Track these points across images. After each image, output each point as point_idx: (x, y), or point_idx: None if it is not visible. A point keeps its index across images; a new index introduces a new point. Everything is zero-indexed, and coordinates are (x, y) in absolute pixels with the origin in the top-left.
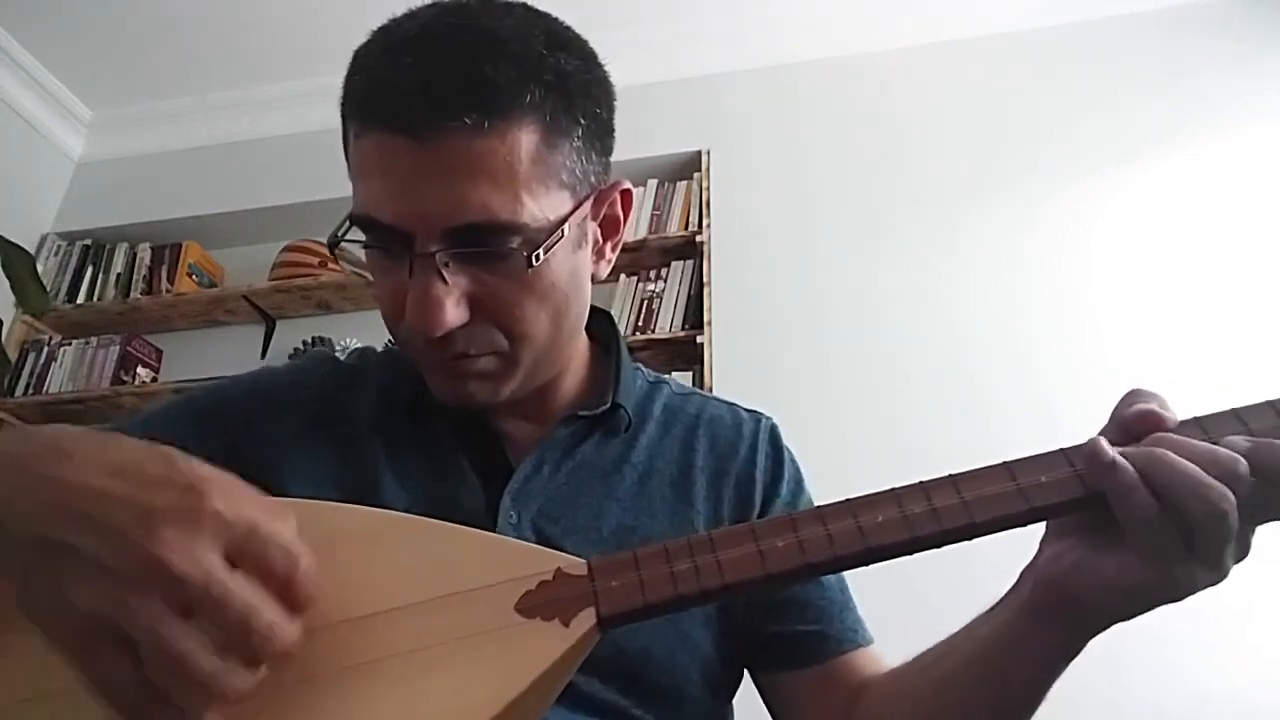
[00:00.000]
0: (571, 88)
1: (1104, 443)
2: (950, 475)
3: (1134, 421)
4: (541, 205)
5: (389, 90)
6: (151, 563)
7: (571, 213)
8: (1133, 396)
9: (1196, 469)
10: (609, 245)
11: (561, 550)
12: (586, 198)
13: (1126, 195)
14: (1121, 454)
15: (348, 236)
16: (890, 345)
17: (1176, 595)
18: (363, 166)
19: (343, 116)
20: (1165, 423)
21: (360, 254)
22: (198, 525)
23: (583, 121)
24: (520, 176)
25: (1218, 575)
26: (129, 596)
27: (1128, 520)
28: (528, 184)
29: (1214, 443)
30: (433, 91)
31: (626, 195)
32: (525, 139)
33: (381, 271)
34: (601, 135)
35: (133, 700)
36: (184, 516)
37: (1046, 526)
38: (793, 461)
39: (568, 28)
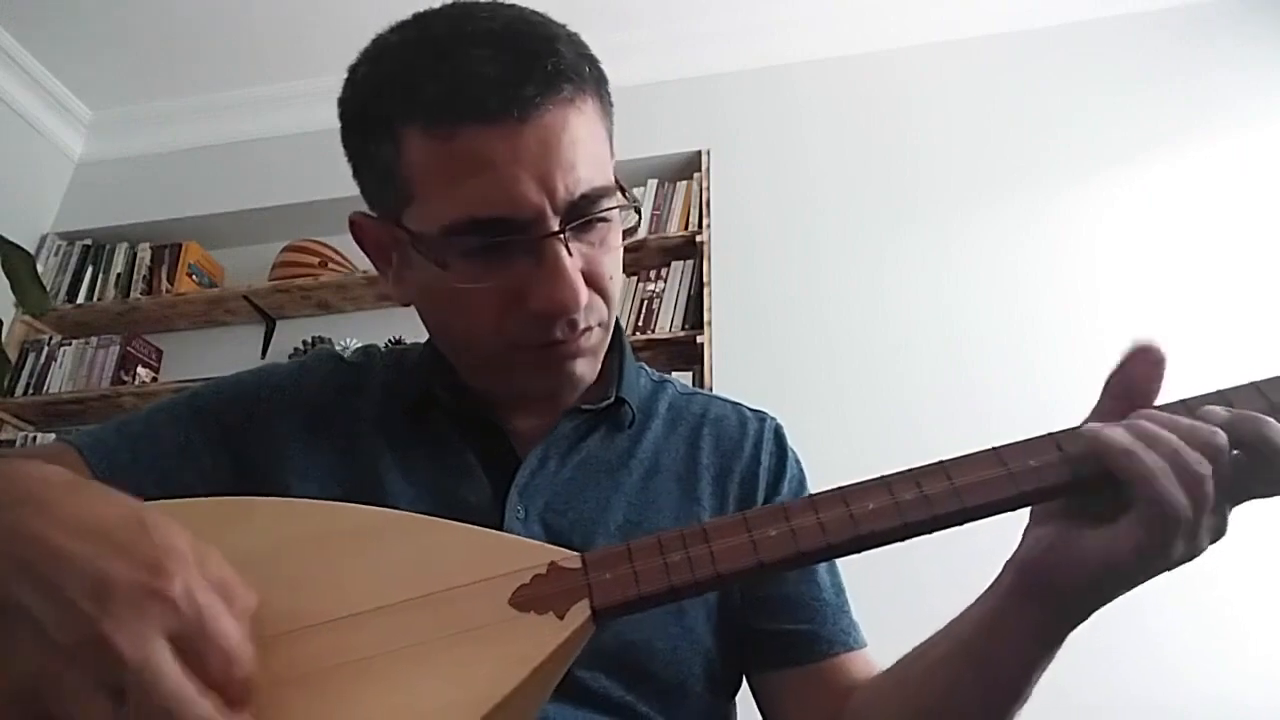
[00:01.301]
0: (598, 63)
1: (1121, 433)
2: (940, 461)
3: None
4: (612, 168)
5: (475, 84)
6: (93, 638)
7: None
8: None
9: (1181, 442)
10: None
11: (569, 544)
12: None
13: (1129, 195)
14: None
15: (443, 252)
16: (891, 345)
17: (1150, 573)
18: (462, 166)
19: (398, 126)
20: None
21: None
22: (149, 606)
23: (608, 91)
24: (602, 142)
25: (1194, 551)
26: (64, 670)
27: (1155, 503)
28: (606, 149)
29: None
30: (524, 75)
31: None
32: (593, 108)
33: (488, 272)
34: (611, 102)
35: None
36: (138, 594)
37: (1030, 515)
38: (797, 462)
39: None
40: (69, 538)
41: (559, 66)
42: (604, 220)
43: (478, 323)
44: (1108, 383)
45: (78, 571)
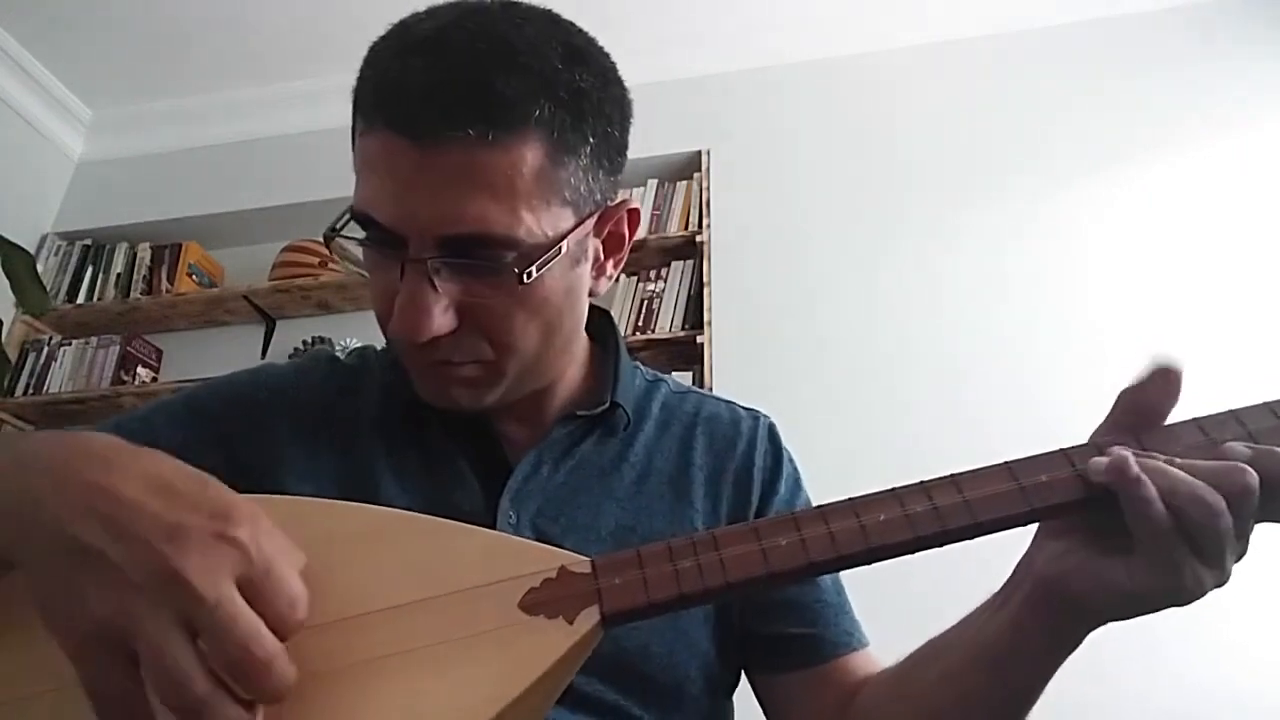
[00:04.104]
0: (584, 105)
1: (1130, 458)
2: (951, 475)
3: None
4: (541, 221)
5: (397, 92)
6: (169, 575)
7: (572, 230)
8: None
9: (1196, 480)
10: (611, 262)
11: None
12: (590, 215)
13: (1124, 196)
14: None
15: (346, 231)
16: (890, 345)
17: (1183, 599)
18: (365, 163)
19: (353, 108)
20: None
21: (356, 249)
22: (220, 548)
23: (592, 140)
24: (521, 191)
25: (1222, 578)
26: (141, 607)
27: (1142, 531)
28: (528, 199)
29: (1215, 442)
30: (439, 100)
31: (634, 215)
32: (530, 154)
33: (376, 268)
34: (611, 154)
35: (119, 713)
36: (208, 538)
37: (1040, 524)
38: (791, 461)
39: (590, 40)
40: (139, 490)
41: (492, 101)
42: (490, 269)
43: (379, 315)
44: (1121, 397)
45: (151, 518)
